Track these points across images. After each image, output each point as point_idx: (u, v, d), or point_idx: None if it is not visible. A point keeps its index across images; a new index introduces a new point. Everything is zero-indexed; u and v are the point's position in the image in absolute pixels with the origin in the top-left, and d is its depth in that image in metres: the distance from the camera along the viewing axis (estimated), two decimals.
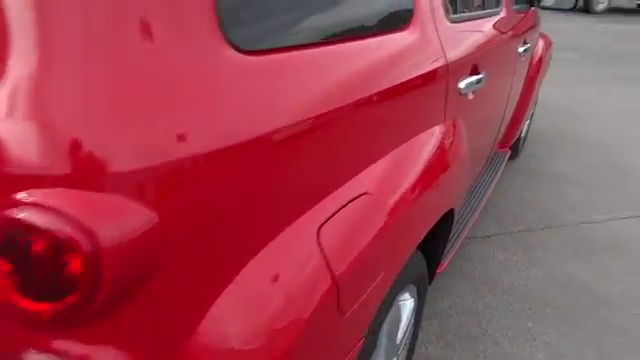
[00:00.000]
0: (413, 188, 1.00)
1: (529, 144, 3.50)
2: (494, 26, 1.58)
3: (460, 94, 1.19)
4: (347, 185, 0.83)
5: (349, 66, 0.81)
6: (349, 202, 0.81)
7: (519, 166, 3.16)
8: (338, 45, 0.80)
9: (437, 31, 1.07)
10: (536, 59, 2.80)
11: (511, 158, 3.15)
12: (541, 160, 3.28)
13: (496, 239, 2.35)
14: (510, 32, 1.75)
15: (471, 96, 1.28)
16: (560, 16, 9.82)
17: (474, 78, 1.25)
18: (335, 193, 0.79)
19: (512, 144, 2.80)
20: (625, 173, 3.15)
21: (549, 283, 2.05)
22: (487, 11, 1.56)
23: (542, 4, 2.37)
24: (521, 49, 1.94)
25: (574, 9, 2.31)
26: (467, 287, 1.99)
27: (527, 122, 3.15)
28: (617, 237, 2.41)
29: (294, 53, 0.69)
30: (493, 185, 2.33)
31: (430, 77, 1.01)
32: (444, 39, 1.10)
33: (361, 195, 0.85)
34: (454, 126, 1.18)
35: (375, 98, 0.86)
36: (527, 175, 3.04)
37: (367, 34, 0.88)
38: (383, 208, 0.91)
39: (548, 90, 4.83)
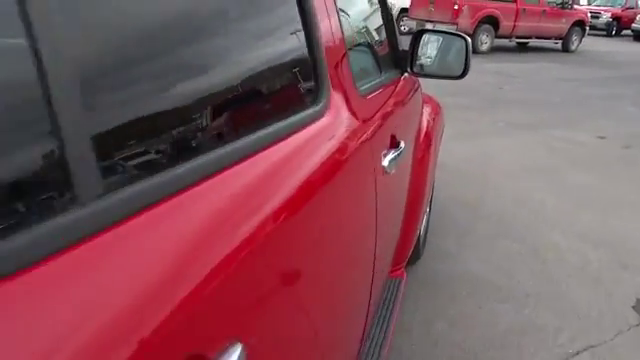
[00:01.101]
0: None
1: (432, 231, 2.73)
2: (307, 160, 0.73)
3: None
4: None
5: None
6: None
7: (423, 273, 2.34)
8: None
9: None
10: (422, 136, 2.04)
11: (412, 263, 2.33)
12: (449, 257, 2.50)
13: None
14: (357, 145, 0.91)
15: None
16: None
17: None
18: None
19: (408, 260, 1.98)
20: (551, 266, 2.45)
21: None
22: (277, 126, 0.69)
23: (418, 69, 1.59)
24: (387, 160, 1.10)
25: (464, 75, 1.55)
26: None
27: (425, 214, 2.37)
28: None
29: None
30: (389, 340, 1.47)
31: None
32: None
33: None
34: None
35: None
36: (434, 288, 2.22)
37: None
38: None
39: (447, 146, 4.21)
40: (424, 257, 2.47)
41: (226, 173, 0.58)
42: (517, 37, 11.65)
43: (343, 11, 1.43)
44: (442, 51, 1.63)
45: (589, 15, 13.62)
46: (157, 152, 0.53)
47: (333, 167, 0.80)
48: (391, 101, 1.35)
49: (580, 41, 12.58)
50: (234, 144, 0.62)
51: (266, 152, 0.67)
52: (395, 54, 1.62)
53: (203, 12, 0.67)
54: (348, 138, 0.87)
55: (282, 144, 0.71)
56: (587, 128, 5.17)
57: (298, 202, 0.72)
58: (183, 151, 0.55)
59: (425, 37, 1.68)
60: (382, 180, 1.06)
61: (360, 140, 0.93)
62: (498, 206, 3.13)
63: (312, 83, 0.82)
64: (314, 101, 0.81)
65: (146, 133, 0.51)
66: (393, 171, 1.14)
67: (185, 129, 0.58)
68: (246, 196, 0.62)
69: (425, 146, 2.07)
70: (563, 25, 11.99)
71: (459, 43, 1.55)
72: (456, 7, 10.39)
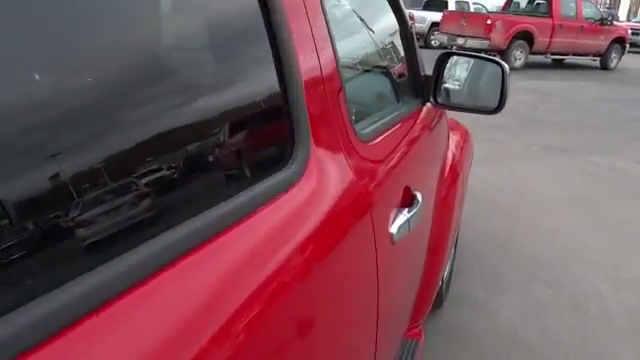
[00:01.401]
0: None
1: (458, 271, 2.45)
2: (271, 249, 0.53)
3: None
4: None
5: None
6: None
7: (445, 324, 2.06)
8: None
9: None
10: (447, 171, 1.78)
11: (433, 310, 2.05)
12: (476, 304, 2.22)
13: None
14: (348, 216, 0.67)
15: None
16: None
17: None
18: None
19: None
20: (595, 320, 2.13)
21: None
22: (225, 207, 0.48)
23: (443, 99, 1.33)
24: (395, 226, 0.84)
25: (499, 109, 1.29)
26: None
27: (450, 257, 2.09)
28: None
29: None
30: None
31: None
32: None
33: None
34: None
35: None
36: (457, 344, 1.94)
37: None
38: None
39: (476, 171, 3.91)
40: (447, 303, 2.19)
41: (163, 276, 0.42)
42: (553, 53, 11.21)
43: (364, 28, 1.20)
44: (472, 78, 1.38)
45: (629, 32, 13.05)
46: None
47: (308, 253, 0.57)
48: (407, 140, 1.10)
49: (619, 59, 12.04)
50: (169, 235, 0.42)
51: (209, 247, 0.45)
52: (416, 80, 1.37)
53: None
54: (335, 207, 0.64)
55: (233, 232, 0.48)
56: (628, 154, 4.78)
57: (263, 298, 0.50)
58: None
59: (452, 59, 1.43)
60: (387, 251, 0.81)
61: (353, 208, 0.69)
62: (532, 243, 2.83)
63: (285, 137, 0.59)
64: (286, 162, 0.57)
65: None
66: (404, 236, 0.89)
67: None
68: (196, 299, 0.43)
69: (451, 182, 1.81)
70: (602, 42, 11.48)
71: (494, 70, 1.29)
72: (489, 22, 10.06)
